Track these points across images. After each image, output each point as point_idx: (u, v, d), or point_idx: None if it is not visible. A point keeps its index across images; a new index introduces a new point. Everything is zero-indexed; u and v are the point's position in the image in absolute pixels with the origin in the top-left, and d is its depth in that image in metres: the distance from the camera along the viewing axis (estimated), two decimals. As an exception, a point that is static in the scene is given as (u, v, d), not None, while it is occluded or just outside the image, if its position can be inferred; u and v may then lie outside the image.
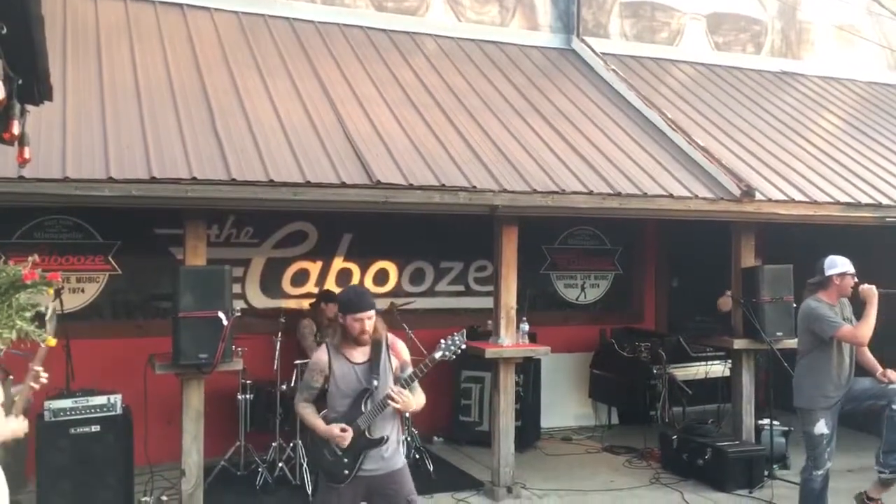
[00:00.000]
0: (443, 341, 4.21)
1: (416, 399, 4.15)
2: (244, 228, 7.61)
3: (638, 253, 9.29)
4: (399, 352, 4.24)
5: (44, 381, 3.78)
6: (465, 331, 4.32)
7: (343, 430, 4.02)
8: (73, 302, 6.88)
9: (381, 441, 4.10)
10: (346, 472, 4.06)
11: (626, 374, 8.20)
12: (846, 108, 9.45)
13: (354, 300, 4.14)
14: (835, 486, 5.76)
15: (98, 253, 7.11)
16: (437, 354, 4.16)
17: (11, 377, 4.07)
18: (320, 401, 4.23)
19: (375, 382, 4.08)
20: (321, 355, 4.17)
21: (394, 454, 4.17)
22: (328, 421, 4.10)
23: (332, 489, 4.11)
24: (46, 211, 6.75)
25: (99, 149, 5.44)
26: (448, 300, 8.37)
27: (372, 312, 4.11)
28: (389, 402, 4.03)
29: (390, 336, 4.27)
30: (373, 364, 4.12)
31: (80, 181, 5.09)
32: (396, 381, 4.14)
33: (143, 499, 5.89)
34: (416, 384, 4.17)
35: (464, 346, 4.23)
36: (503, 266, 6.39)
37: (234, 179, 5.41)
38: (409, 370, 4.20)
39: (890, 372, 5.58)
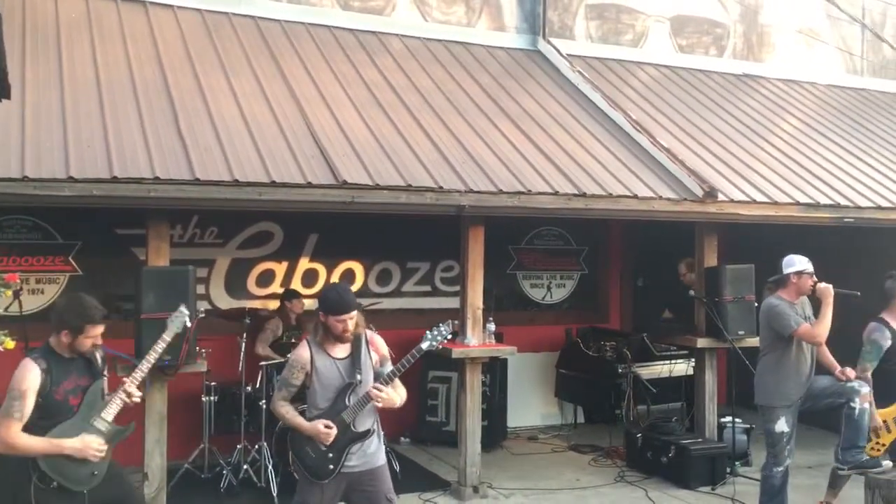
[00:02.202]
0: (428, 332, 4.23)
1: (398, 393, 4.20)
2: (208, 229, 7.53)
3: (603, 253, 9.36)
4: (378, 347, 4.28)
5: (136, 400, 4.16)
6: (450, 322, 4.31)
7: (328, 427, 4.04)
8: (32, 303, 6.75)
9: (367, 434, 4.13)
10: (332, 467, 4.08)
11: (592, 374, 8.26)
12: (806, 110, 9.62)
13: (338, 301, 4.15)
14: (794, 481, 5.88)
15: (58, 254, 6.99)
16: (424, 345, 4.19)
17: (105, 378, 4.18)
18: (296, 400, 4.24)
19: (359, 376, 4.11)
20: (303, 352, 4.17)
21: (376, 450, 4.21)
22: (309, 418, 4.11)
23: (315, 485, 4.11)
24: (5, 211, 6.62)
25: (59, 148, 5.35)
26: (415, 300, 8.37)
27: (354, 312, 4.14)
28: (372, 399, 4.06)
29: (369, 332, 4.30)
30: (354, 358, 4.14)
31: (39, 181, 5.00)
32: (377, 376, 4.17)
33: (105, 503, 5.80)
34: (398, 381, 4.20)
35: (450, 336, 4.24)
36: (470, 266, 6.40)
37: (197, 179, 5.35)
38: (390, 364, 4.24)
39: (848, 370, 5.69)
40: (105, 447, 4.01)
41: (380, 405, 4.09)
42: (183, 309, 4.46)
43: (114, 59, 6.63)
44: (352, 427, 4.09)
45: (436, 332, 4.20)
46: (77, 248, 7.04)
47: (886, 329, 5.78)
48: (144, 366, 4.20)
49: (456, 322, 6.86)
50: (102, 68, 6.44)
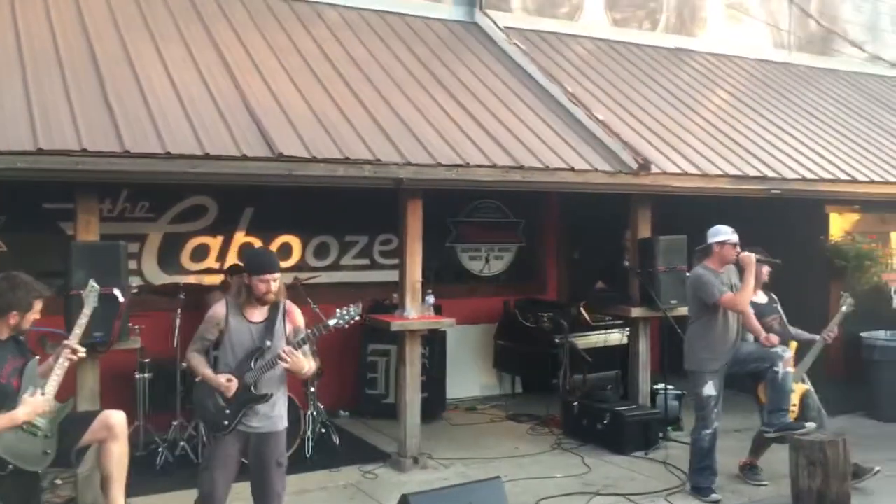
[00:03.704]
0: (338, 311, 4.41)
1: (307, 362, 4.38)
2: (139, 203, 7.34)
3: (540, 225, 9.47)
4: (294, 318, 4.47)
5: (82, 355, 4.20)
6: (360, 304, 4.49)
7: (229, 380, 4.24)
8: (-47, 281, 6.49)
9: (265, 398, 4.31)
10: (227, 422, 4.28)
11: (530, 344, 8.37)
12: (736, 84, 9.84)
13: (262, 261, 4.40)
14: (723, 444, 6.10)
15: (-19, 229, 6.74)
16: (332, 322, 4.37)
17: (38, 357, 4.20)
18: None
19: (269, 342, 4.29)
20: (219, 309, 4.37)
21: (278, 416, 4.41)
22: (216, 373, 4.32)
23: (215, 438, 4.35)
24: (-79, 185, 6.33)
25: (-21, 118, 5.14)
26: (353, 274, 8.34)
27: (277, 274, 4.33)
28: (279, 361, 4.24)
29: (288, 302, 4.47)
30: (268, 324, 4.33)
31: (-42, 153, 4.80)
32: (289, 344, 4.34)
33: (37, 484, 5.66)
34: (307, 349, 4.41)
35: (357, 318, 4.44)
36: (408, 239, 6.40)
37: (128, 151, 5.21)
38: (302, 335, 4.39)
39: (772, 336, 5.93)
40: (50, 398, 4.00)
41: (286, 366, 4.27)
42: (93, 283, 4.49)
43: (36, 25, 6.37)
44: (252, 389, 4.28)
45: (344, 312, 4.39)
46: (1, 223, 6.79)
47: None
48: (77, 330, 4.24)
49: (394, 296, 6.93)
50: (24, 35, 6.19)
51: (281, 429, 4.44)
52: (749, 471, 6.24)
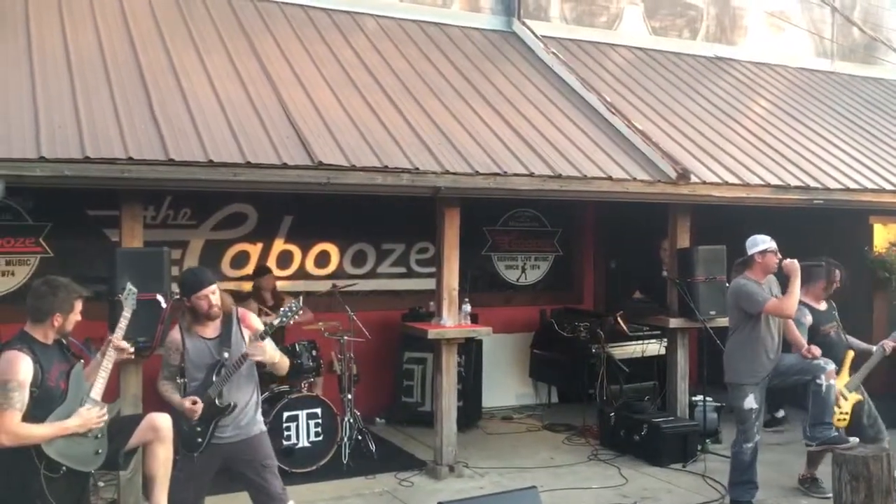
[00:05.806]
0: (281, 310, 4.50)
1: (279, 357, 4.48)
2: (182, 210, 7.48)
3: (577, 234, 9.43)
4: (251, 323, 4.54)
5: (131, 351, 4.36)
6: (301, 297, 4.66)
7: (193, 403, 4.30)
8: (2, 285, 6.67)
9: (229, 408, 4.36)
10: (200, 440, 4.35)
11: (566, 354, 8.33)
12: (777, 93, 9.73)
13: (193, 280, 4.44)
14: (763, 458, 6.00)
15: (28, 235, 6.91)
16: (276, 321, 4.45)
17: (82, 360, 4.27)
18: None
19: (226, 354, 4.37)
20: (175, 335, 4.46)
21: (250, 422, 4.46)
22: (187, 393, 4.40)
23: (187, 457, 4.40)
24: (-27, 191, 6.51)
25: (29, 127, 5.27)
26: (390, 282, 8.39)
27: (213, 287, 4.39)
28: (249, 357, 4.31)
29: (240, 309, 4.56)
30: (223, 337, 4.40)
31: (9, 161, 4.92)
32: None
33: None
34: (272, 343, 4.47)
35: (300, 312, 4.54)
36: (445, 248, 6.42)
37: (171, 160, 5.30)
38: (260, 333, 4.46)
39: (814, 348, 5.83)
40: (104, 413, 4.10)
41: (258, 359, 4.34)
42: (130, 286, 4.52)
43: (84, 37, 6.52)
44: (216, 402, 4.34)
45: (287, 309, 4.47)
46: (48, 230, 6.95)
47: (804, 308, 6.05)
48: (119, 332, 4.30)
49: (430, 304, 6.95)
50: (73, 46, 6.34)
51: (256, 432, 4.49)
52: (811, 484, 6.12)
